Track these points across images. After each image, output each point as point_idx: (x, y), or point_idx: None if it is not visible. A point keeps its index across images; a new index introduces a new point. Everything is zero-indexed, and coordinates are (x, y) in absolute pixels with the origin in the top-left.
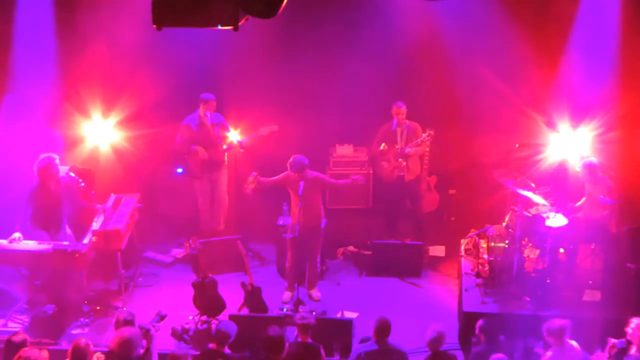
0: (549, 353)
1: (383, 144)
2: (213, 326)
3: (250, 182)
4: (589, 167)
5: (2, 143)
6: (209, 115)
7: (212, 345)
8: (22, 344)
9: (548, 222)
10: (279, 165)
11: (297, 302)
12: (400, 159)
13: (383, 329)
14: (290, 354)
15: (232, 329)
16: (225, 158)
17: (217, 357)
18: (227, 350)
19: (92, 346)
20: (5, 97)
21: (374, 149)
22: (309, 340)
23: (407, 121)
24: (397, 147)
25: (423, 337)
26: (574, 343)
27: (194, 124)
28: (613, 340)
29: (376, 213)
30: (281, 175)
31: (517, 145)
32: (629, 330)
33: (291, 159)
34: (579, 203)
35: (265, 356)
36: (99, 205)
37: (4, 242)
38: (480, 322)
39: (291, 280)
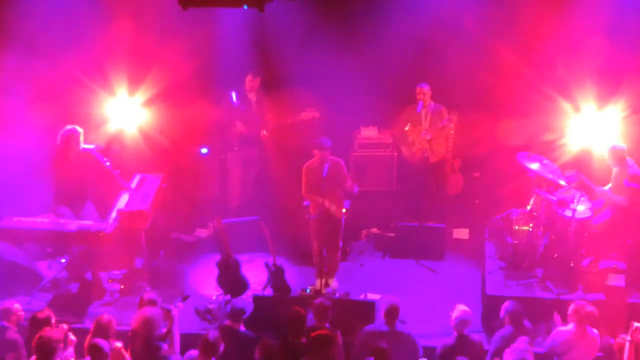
0: (569, 326)
1: (408, 125)
2: None
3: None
4: (615, 151)
5: (24, 122)
6: (251, 92)
7: (227, 322)
8: (47, 321)
9: (572, 206)
10: (305, 149)
11: (322, 286)
12: (423, 142)
13: (392, 312)
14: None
15: (247, 305)
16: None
17: (232, 334)
18: (242, 328)
19: (115, 322)
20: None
21: (397, 130)
22: (327, 324)
23: (432, 103)
24: (422, 128)
25: (446, 319)
26: (595, 331)
27: (236, 95)
28: (636, 324)
29: (400, 195)
30: (303, 175)
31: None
32: None
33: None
34: (606, 187)
35: (286, 337)
36: (123, 184)
37: (29, 219)
38: (505, 305)
39: (319, 268)
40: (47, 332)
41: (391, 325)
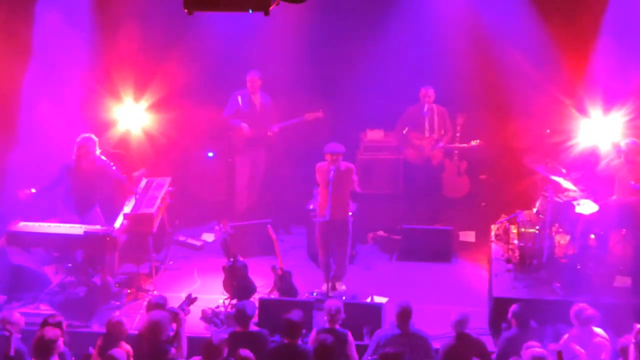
0: (566, 336)
1: (406, 129)
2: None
3: None
4: (632, 147)
5: (35, 125)
6: (255, 93)
7: (237, 328)
8: (57, 326)
9: (578, 208)
10: (311, 152)
11: (328, 289)
12: (434, 149)
13: (404, 314)
14: (318, 341)
15: (249, 306)
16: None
17: (243, 337)
18: (252, 328)
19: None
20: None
21: (398, 131)
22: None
23: (434, 105)
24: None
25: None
26: (600, 331)
27: (241, 99)
28: (639, 326)
29: (406, 197)
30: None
31: (548, 130)
32: None
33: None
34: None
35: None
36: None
37: (36, 224)
38: (513, 307)
39: (326, 272)
40: (45, 331)
41: (403, 328)
